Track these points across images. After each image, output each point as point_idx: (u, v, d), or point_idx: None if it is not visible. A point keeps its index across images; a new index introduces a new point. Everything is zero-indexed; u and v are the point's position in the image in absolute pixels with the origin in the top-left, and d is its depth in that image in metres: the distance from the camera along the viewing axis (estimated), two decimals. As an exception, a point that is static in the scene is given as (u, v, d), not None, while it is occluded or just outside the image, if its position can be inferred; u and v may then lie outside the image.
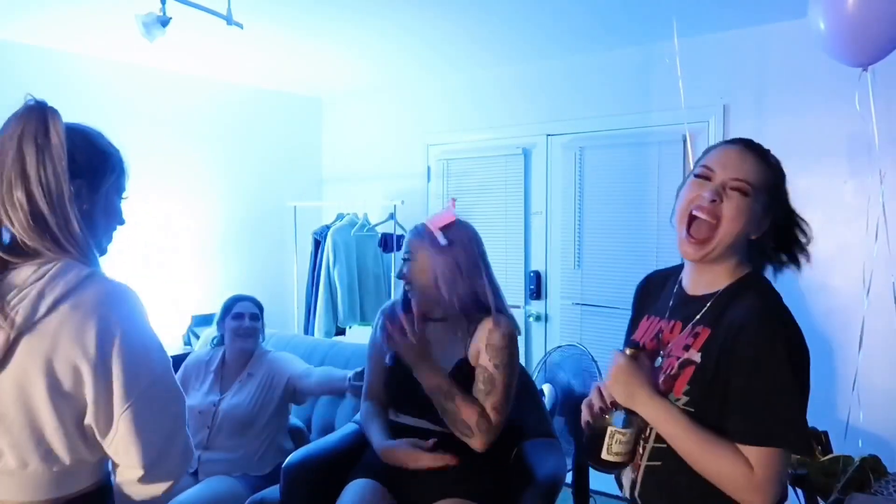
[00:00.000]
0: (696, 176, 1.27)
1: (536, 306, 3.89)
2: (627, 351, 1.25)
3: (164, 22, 2.40)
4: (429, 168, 4.28)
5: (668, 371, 1.25)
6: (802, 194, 3.30)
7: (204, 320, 3.90)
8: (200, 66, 3.88)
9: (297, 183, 4.62)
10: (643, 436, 1.27)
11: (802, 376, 1.16)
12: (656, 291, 1.45)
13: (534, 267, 3.89)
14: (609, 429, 1.22)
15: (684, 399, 1.20)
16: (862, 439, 2.37)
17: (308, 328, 4.16)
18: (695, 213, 1.24)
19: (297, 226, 4.35)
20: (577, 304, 3.70)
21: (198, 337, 3.75)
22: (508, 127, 3.94)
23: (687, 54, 3.07)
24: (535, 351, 3.88)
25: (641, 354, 1.26)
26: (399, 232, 4.05)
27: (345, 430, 2.26)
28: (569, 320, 3.75)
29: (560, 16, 3.00)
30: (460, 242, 1.91)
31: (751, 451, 1.12)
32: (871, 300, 2.49)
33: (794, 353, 1.15)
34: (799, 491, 2.19)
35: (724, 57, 3.21)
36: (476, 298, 1.93)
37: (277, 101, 4.54)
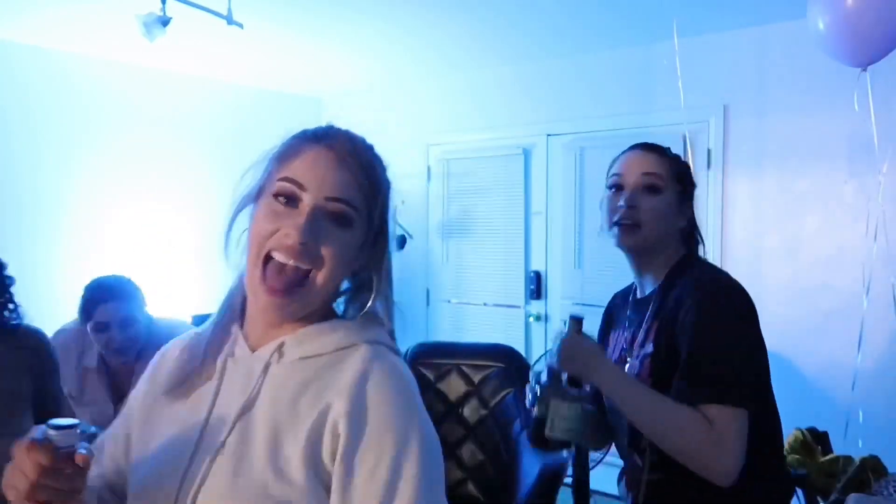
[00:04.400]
0: (610, 188, 1.34)
1: (536, 306, 3.89)
2: (570, 324, 1.25)
3: (165, 22, 2.40)
4: (429, 168, 4.28)
5: (632, 372, 1.27)
6: (802, 194, 3.31)
7: (204, 320, 3.90)
8: (200, 66, 3.87)
9: (297, 183, 4.62)
10: (640, 446, 1.25)
11: (750, 332, 1.19)
12: (619, 310, 1.48)
13: (534, 267, 3.89)
14: (552, 402, 1.21)
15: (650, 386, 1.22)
16: (862, 439, 2.37)
17: (308, 328, 4.15)
18: (616, 221, 1.29)
19: (298, 226, 4.35)
20: (578, 304, 3.69)
21: (198, 337, 3.75)
22: (508, 127, 3.94)
23: (687, 54, 3.07)
24: (535, 351, 3.88)
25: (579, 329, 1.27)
26: (399, 232, 4.05)
27: None
28: (568, 321, 3.74)
29: (561, 16, 3.00)
30: None
31: (707, 410, 1.12)
32: (871, 300, 2.49)
33: (735, 311, 1.19)
34: (799, 491, 2.19)
35: (724, 57, 3.21)
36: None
37: (277, 102, 4.54)
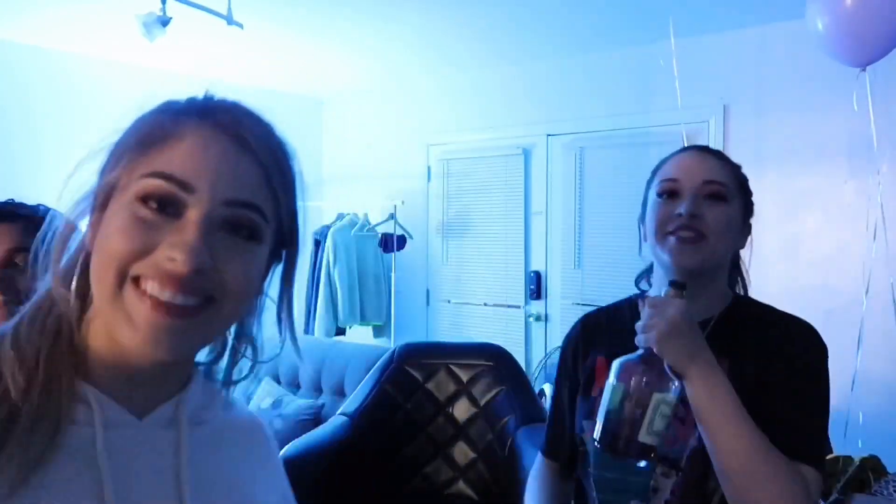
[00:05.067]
0: (660, 195, 1.07)
1: (536, 306, 3.89)
2: (672, 293, 0.95)
3: (165, 22, 2.40)
4: (429, 168, 4.28)
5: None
6: (802, 194, 3.30)
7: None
8: (200, 66, 3.87)
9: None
10: (707, 488, 1.00)
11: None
12: (609, 332, 1.19)
13: (534, 267, 3.89)
14: (655, 396, 0.90)
15: None
16: (862, 439, 2.37)
17: (308, 328, 4.16)
18: (673, 232, 1.03)
19: (298, 226, 4.35)
20: (578, 304, 3.69)
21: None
22: (509, 127, 3.94)
23: (687, 54, 3.07)
24: (535, 351, 3.88)
25: None
26: (399, 232, 4.05)
27: (334, 422, 2.27)
28: (569, 320, 3.72)
29: (561, 15, 3.00)
30: None
31: (803, 469, 0.93)
32: (871, 300, 2.49)
33: (827, 369, 1.05)
34: (799, 491, 2.19)
35: (723, 57, 3.21)
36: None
37: (277, 101, 4.53)
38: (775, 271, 3.03)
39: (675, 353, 0.91)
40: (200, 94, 0.62)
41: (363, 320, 4.17)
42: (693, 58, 3.17)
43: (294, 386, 3.19)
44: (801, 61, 2.96)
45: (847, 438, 2.34)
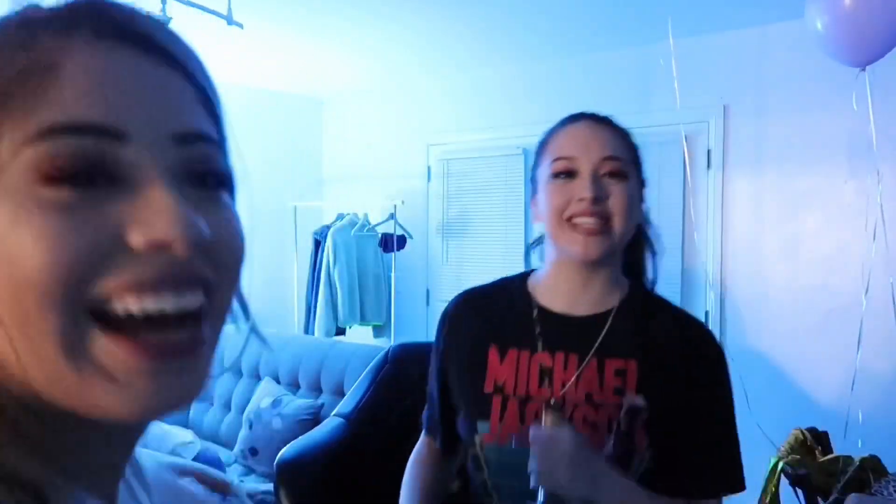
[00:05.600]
0: (556, 175, 0.97)
1: (536, 306, 3.88)
2: (551, 419, 0.88)
3: (165, 22, 2.40)
4: (429, 168, 4.28)
5: (613, 425, 0.93)
6: (802, 194, 3.31)
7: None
8: (200, 66, 3.88)
9: (297, 183, 4.62)
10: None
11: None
12: (492, 312, 1.09)
13: (534, 267, 3.88)
14: None
15: (648, 456, 0.95)
16: (862, 439, 2.37)
17: (308, 328, 4.16)
18: (578, 221, 0.94)
19: (298, 226, 4.35)
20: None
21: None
22: (509, 127, 3.94)
23: (687, 54, 3.07)
24: (535, 351, 3.89)
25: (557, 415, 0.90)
26: (399, 232, 4.05)
27: (330, 423, 2.27)
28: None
29: (561, 15, 3.00)
30: None
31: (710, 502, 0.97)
32: (870, 300, 2.49)
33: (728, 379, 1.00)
34: (799, 491, 2.19)
35: (723, 57, 3.21)
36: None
37: (278, 102, 4.54)
38: (775, 271, 3.03)
39: (579, 487, 0.86)
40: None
41: (363, 320, 4.17)
42: (693, 58, 3.17)
43: (293, 386, 3.19)
44: (800, 61, 2.96)
45: (847, 438, 2.34)
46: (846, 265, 2.83)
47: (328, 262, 4.07)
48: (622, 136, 1.02)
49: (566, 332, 1.00)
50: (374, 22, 3.07)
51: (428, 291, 4.29)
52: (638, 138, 1.06)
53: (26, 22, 0.37)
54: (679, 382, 0.96)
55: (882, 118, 2.53)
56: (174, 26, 0.42)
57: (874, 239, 2.43)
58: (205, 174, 0.40)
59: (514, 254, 3.93)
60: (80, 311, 0.34)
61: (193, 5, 2.41)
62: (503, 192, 3.97)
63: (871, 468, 2.06)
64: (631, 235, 1.00)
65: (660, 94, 3.33)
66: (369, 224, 4.20)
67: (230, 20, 2.53)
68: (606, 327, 0.98)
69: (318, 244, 4.18)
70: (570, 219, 0.95)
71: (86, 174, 0.34)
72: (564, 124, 1.05)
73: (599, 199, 0.93)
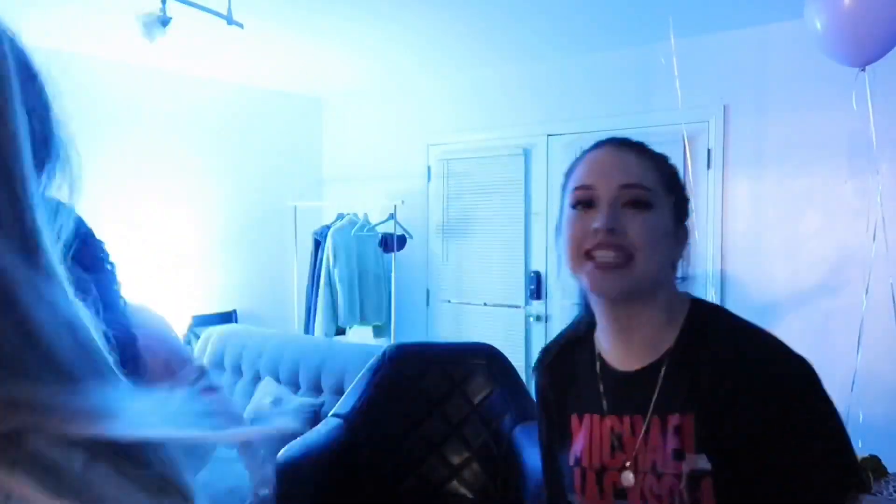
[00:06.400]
0: (574, 206, 0.92)
1: (537, 306, 3.89)
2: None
3: (165, 22, 2.40)
4: (429, 168, 4.28)
5: (675, 499, 0.84)
6: (802, 194, 3.30)
7: (204, 321, 3.90)
8: (200, 66, 3.88)
9: (297, 183, 4.62)
10: None
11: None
12: (569, 373, 1.05)
13: (534, 267, 3.89)
14: None
15: None
16: (862, 439, 2.37)
17: (308, 328, 4.16)
18: (595, 254, 0.88)
19: (298, 226, 4.35)
20: (578, 304, 3.69)
21: (198, 337, 3.75)
22: (509, 127, 3.94)
23: (687, 54, 3.07)
24: (536, 351, 3.88)
25: None
26: (399, 232, 4.05)
27: (328, 424, 2.27)
28: (569, 320, 3.74)
29: (561, 15, 3.00)
30: None
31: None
32: (871, 300, 2.49)
33: (817, 380, 0.88)
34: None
35: (723, 57, 3.21)
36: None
37: (277, 101, 4.54)
38: (775, 271, 3.03)
39: None
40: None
41: (363, 320, 4.17)
42: (693, 58, 3.17)
43: (294, 385, 3.19)
44: (800, 61, 2.96)
45: (847, 438, 2.34)
46: (846, 265, 2.83)
47: (328, 262, 4.07)
48: (651, 162, 0.93)
49: (627, 389, 0.92)
50: (374, 22, 3.07)
51: (428, 291, 4.29)
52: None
53: None
54: (748, 425, 0.82)
55: (882, 118, 2.53)
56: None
57: (874, 239, 2.43)
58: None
59: (515, 254, 3.93)
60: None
61: (193, 5, 2.41)
62: (503, 192, 3.96)
63: (872, 468, 2.06)
64: (667, 270, 0.92)
65: (660, 94, 3.33)
66: (369, 224, 4.20)
67: (230, 20, 2.53)
68: (660, 379, 0.88)
69: (318, 244, 4.18)
70: (588, 252, 0.89)
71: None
72: (589, 150, 0.98)
73: (615, 230, 0.86)
